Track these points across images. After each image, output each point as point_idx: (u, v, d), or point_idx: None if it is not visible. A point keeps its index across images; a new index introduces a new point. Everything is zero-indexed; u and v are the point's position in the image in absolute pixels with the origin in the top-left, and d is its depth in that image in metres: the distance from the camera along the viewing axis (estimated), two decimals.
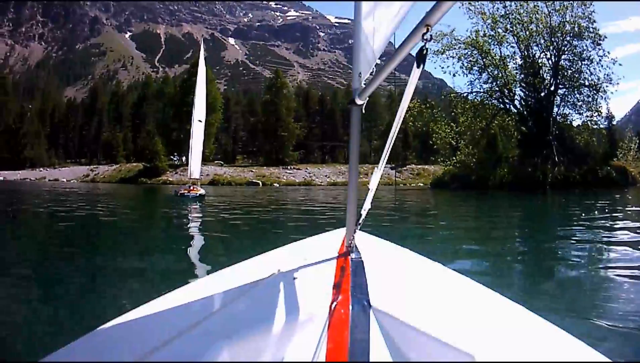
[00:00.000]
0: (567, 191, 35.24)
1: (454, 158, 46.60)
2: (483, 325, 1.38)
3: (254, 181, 71.88)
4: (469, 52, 44.39)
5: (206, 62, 37.53)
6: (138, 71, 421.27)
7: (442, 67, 45.98)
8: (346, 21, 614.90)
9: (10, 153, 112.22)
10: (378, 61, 1.81)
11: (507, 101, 45.49)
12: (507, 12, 43.27)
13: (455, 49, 44.53)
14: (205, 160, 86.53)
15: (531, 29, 42.83)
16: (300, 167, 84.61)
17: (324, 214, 16.91)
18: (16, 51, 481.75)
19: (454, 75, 45.73)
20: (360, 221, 2.10)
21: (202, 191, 28.68)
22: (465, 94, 46.22)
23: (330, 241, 2.34)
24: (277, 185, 68.67)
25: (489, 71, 44.27)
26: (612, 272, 5.87)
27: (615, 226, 11.72)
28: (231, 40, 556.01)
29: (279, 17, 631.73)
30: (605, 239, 9.41)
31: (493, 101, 46.12)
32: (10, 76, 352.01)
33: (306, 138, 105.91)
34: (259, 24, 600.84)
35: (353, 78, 2.01)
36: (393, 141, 1.84)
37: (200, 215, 18.27)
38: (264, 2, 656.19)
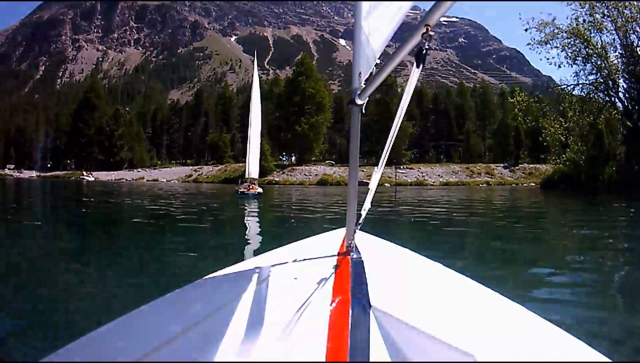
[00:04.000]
0: None
1: (563, 155, 47.37)
2: (483, 325, 1.44)
3: (363, 181, 69.21)
4: (572, 42, 43.95)
5: (317, 63, 42.19)
6: (247, 73, 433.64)
7: (547, 58, 45.86)
8: (454, 19, 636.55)
9: (104, 155, 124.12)
10: (378, 61, 1.99)
11: (612, 93, 44.56)
12: None
13: (558, 38, 44.25)
14: (316, 160, 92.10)
15: (626, 14, 42.03)
16: (413, 167, 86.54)
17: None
18: (109, 56, 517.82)
19: (559, 66, 45.53)
20: (360, 221, 2.28)
21: (260, 190, 34.26)
22: (571, 87, 45.66)
23: (330, 241, 2.55)
24: (388, 185, 68.36)
25: (593, 61, 43.48)
26: None
27: None
28: (342, 42, 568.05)
29: None
30: None
31: (599, 93, 45.28)
32: (105, 80, 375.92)
33: (421, 137, 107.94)
34: None
35: (353, 78, 2.15)
36: (393, 141, 2.02)
37: (256, 212, 21.07)
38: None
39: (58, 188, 51.87)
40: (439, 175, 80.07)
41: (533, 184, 69.56)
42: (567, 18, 44.52)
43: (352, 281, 1.69)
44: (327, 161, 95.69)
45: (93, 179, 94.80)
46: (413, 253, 2.46)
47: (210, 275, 2.03)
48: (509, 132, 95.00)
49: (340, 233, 2.63)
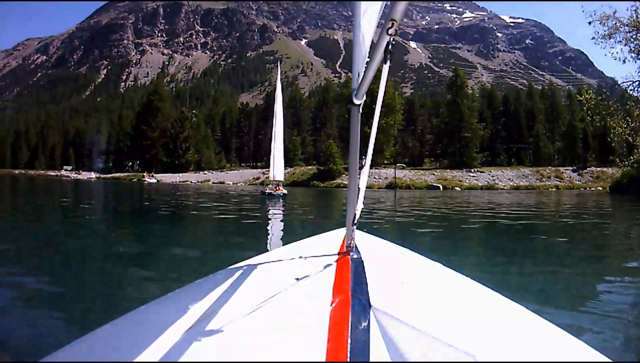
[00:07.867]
0: None
1: (631, 157, 46.20)
2: (483, 325, 1.47)
3: (434, 184, 73.41)
4: (634, 35, 41.50)
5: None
6: (319, 76, 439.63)
7: (612, 54, 43.12)
8: (520, 21, 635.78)
9: (169, 157, 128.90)
10: (368, 60, 1.87)
11: None
12: None
13: (620, 31, 41.71)
14: (387, 163, 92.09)
15: None
16: (484, 170, 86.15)
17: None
18: (176, 60, 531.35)
19: (623, 61, 42.67)
20: (355, 221, 2.26)
21: (285, 191, 38.27)
22: (636, 83, 43.56)
23: (330, 241, 2.57)
24: (459, 189, 69.95)
25: None
26: None
27: None
28: (412, 44, 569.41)
29: (456, 19, 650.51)
30: None
31: None
32: (172, 84, 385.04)
33: (492, 139, 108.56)
34: (437, 26, 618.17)
35: (352, 78, 2.19)
36: (374, 140, 2.11)
37: (279, 211, 22.27)
38: (439, 4, 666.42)
39: (103, 189, 56.55)
40: (509, 179, 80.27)
41: (601, 188, 69.97)
42: (627, 10, 42.84)
43: (352, 281, 1.76)
44: (397, 164, 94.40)
45: (155, 181, 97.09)
46: (413, 253, 2.61)
47: (211, 275, 2.16)
48: (577, 135, 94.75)
49: (340, 233, 2.75)
